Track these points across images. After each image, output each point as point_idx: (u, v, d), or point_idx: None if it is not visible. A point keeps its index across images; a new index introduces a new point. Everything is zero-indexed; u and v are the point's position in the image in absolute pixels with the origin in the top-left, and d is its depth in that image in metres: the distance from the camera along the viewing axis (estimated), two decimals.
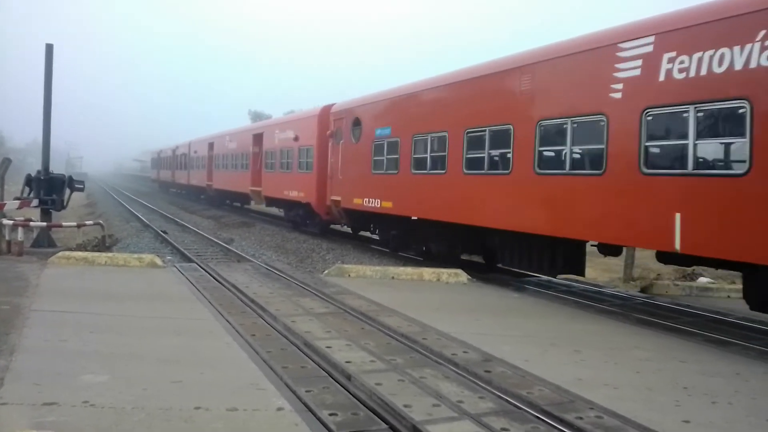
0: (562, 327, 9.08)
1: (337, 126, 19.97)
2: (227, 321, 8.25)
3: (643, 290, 13.39)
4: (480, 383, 5.95)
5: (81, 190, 18.73)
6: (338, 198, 19.57)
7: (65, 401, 4.99)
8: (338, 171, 19.67)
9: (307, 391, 5.50)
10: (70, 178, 17.93)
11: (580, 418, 5.11)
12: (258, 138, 29.11)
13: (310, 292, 10.55)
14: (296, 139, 23.37)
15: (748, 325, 9.94)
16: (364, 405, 5.30)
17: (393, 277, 12.42)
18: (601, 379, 6.31)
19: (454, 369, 6.39)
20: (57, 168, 21.88)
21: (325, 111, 21.49)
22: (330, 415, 4.99)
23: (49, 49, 17.20)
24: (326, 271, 13.13)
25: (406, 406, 5.19)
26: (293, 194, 23.68)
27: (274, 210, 30.06)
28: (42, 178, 17.12)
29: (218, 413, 4.95)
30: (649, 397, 5.81)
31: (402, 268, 13.22)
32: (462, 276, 12.56)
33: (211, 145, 39.17)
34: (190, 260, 16.03)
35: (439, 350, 7.01)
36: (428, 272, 12.69)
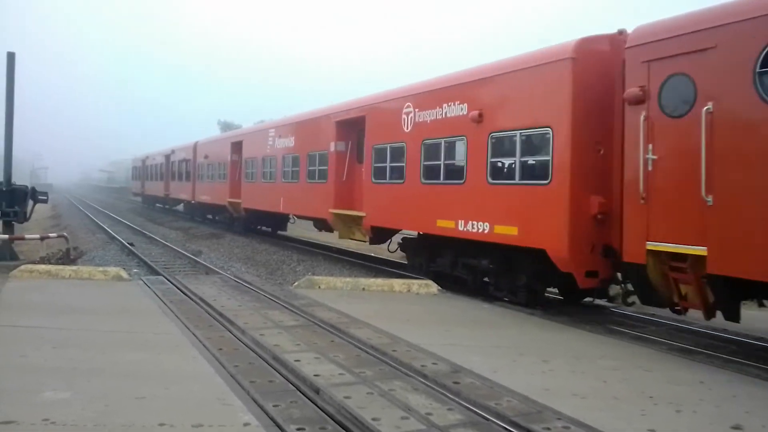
0: (530, 337, 9.14)
1: (673, 72, 8.41)
2: (194, 335, 8.13)
3: (610, 300, 13.54)
4: (449, 395, 5.95)
5: (45, 201, 18.49)
6: (695, 250, 8.02)
7: (24, 419, 4.85)
8: (703, 187, 7.85)
9: (274, 406, 5.43)
10: (33, 189, 17.71)
11: (548, 428, 5.14)
12: (347, 126, 17.34)
13: (279, 304, 10.46)
14: (479, 118, 11.83)
15: (711, 333, 10.14)
16: (333, 419, 5.25)
17: (363, 289, 12.38)
18: (569, 388, 6.36)
19: (423, 381, 6.38)
20: (21, 179, 21.50)
21: (605, 45, 10.06)
22: (297, 429, 4.94)
23: (11, 57, 16.95)
24: (296, 283, 13.04)
25: (374, 419, 5.17)
26: (477, 229, 11.86)
27: (379, 248, 19.28)
28: (4, 189, 16.83)
29: (183, 430, 4.86)
30: (616, 406, 5.87)
31: (372, 280, 13.19)
32: (432, 287, 12.57)
33: (236, 146, 27.04)
34: (157, 273, 15.79)
35: (409, 362, 7.00)
36: (398, 283, 12.67)
